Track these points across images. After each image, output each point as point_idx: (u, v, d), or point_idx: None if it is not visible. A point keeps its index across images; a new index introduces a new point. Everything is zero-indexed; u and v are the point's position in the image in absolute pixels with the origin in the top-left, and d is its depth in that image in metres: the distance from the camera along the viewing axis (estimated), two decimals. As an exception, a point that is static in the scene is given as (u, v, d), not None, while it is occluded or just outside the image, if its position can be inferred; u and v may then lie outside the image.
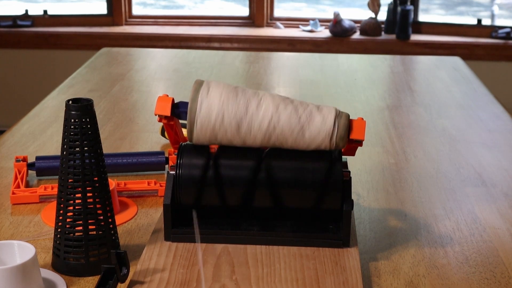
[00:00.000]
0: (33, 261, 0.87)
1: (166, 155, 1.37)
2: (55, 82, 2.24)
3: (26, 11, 3.70)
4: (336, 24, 3.46)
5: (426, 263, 1.03)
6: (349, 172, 1.02)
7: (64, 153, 0.94)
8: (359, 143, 1.03)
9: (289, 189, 1.02)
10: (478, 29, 3.55)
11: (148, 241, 1.03)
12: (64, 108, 0.94)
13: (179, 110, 1.04)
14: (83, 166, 0.94)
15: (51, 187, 1.22)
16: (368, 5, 3.49)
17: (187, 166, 1.02)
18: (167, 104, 1.03)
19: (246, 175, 1.02)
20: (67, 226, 0.96)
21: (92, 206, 0.96)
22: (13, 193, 1.21)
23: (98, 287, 0.88)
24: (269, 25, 3.71)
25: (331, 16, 3.56)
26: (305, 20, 3.72)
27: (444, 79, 2.16)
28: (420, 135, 1.63)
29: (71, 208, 0.95)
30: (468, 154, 1.49)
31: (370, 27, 3.49)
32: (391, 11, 3.50)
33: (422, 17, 3.67)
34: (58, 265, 0.98)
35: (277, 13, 3.77)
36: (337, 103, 1.87)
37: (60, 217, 0.96)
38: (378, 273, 1.00)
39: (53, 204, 1.17)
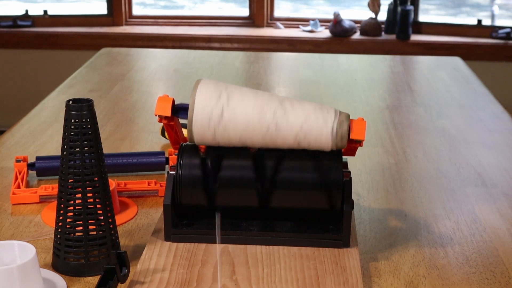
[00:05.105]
0: (33, 261, 0.87)
1: (166, 155, 1.37)
2: (55, 82, 2.25)
3: (26, 11, 3.70)
4: (336, 24, 3.46)
5: (426, 263, 1.03)
6: (349, 172, 1.02)
7: (64, 153, 0.94)
8: (359, 143, 1.03)
9: (289, 189, 1.02)
10: (478, 29, 3.55)
11: (148, 241, 1.03)
12: (64, 108, 0.94)
13: (179, 110, 1.04)
14: (83, 166, 0.94)
15: (51, 187, 1.22)
16: (368, 5, 3.50)
17: (187, 166, 1.03)
18: (168, 105, 1.03)
19: (246, 175, 1.02)
20: (67, 226, 0.96)
21: (92, 206, 0.96)
22: (14, 193, 1.21)
23: (98, 287, 0.88)
24: (269, 25, 3.71)
25: (331, 17, 3.56)
26: (305, 20, 3.72)
27: (444, 79, 2.16)
28: (420, 135, 1.63)
29: (71, 208, 0.95)
30: (468, 154, 1.49)
31: (370, 27, 3.49)
32: (391, 11, 3.50)
33: (422, 17, 3.67)
34: (58, 265, 0.98)
35: (277, 13, 3.77)
36: (337, 103, 1.87)
37: (60, 217, 0.96)
38: (378, 273, 1.00)
39: (53, 204, 1.17)
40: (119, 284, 0.92)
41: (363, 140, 1.02)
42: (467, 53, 3.32)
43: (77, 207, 0.95)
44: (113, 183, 1.17)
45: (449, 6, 4.47)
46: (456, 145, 1.55)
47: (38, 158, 1.31)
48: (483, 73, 2.80)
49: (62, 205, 0.96)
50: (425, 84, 2.11)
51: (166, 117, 1.03)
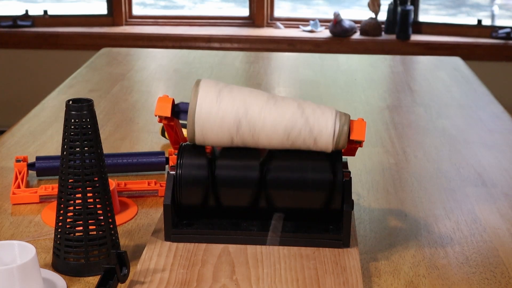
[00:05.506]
0: (33, 261, 0.87)
1: (166, 155, 1.37)
2: (55, 82, 2.25)
3: (26, 11, 3.70)
4: (336, 25, 3.46)
5: (426, 263, 1.03)
6: (349, 172, 1.02)
7: (64, 153, 0.94)
8: (359, 143, 1.03)
9: (289, 190, 1.02)
10: (478, 29, 3.55)
11: (148, 241, 1.03)
12: (64, 108, 0.94)
13: (179, 110, 1.04)
14: (83, 166, 0.94)
15: (51, 187, 1.22)
16: (368, 5, 3.50)
17: (187, 166, 1.02)
18: (168, 105, 1.03)
19: (246, 175, 1.02)
20: (67, 226, 0.96)
21: (92, 206, 0.96)
22: (14, 193, 1.21)
23: (98, 287, 0.88)
24: (269, 25, 3.71)
25: (331, 17, 3.56)
26: (305, 20, 3.72)
27: (444, 79, 2.16)
28: (420, 135, 1.63)
29: (71, 208, 0.95)
30: (468, 154, 1.49)
31: (370, 27, 3.49)
32: (391, 11, 3.50)
33: (422, 17, 3.67)
34: (58, 265, 0.98)
35: (277, 13, 3.77)
36: (337, 103, 1.87)
37: (60, 217, 0.96)
38: (378, 273, 1.00)
39: (53, 204, 1.17)
40: (119, 284, 0.92)
41: (363, 141, 1.02)
42: (467, 53, 3.32)
43: (77, 207, 0.95)
44: (113, 183, 1.17)
45: (449, 6, 4.47)
46: (456, 145, 1.55)
47: (38, 158, 1.31)
48: (483, 73, 2.80)
49: (62, 205, 0.96)
50: (425, 84, 2.11)
51: (166, 117, 1.03)
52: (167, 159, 1.33)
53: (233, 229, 1.03)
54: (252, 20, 3.71)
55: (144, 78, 2.14)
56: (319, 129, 1.01)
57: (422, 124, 1.70)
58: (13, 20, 3.61)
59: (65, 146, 0.94)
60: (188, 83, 2.04)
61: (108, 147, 1.48)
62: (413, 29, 3.51)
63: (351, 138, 1.02)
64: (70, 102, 0.94)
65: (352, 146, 1.05)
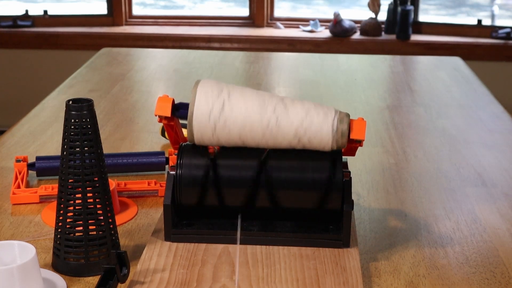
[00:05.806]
0: (33, 261, 0.87)
1: (166, 155, 1.37)
2: (55, 82, 2.25)
3: (26, 11, 3.70)
4: (336, 24, 3.46)
5: (426, 263, 1.03)
6: (349, 172, 1.02)
7: (64, 153, 0.94)
8: (359, 143, 1.03)
9: (290, 190, 1.02)
10: (478, 29, 3.55)
11: (148, 241, 1.03)
12: (64, 108, 0.94)
13: (179, 110, 1.04)
14: (83, 166, 0.94)
15: (51, 187, 1.22)
16: (368, 5, 3.50)
17: (187, 166, 1.03)
18: (168, 105, 1.03)
19: (246, 175, 1.02)
20: (67, 226, 0.96)
21: (92, 206, 0.96)
22: (14, 193, 1.21)
23: (98, 287, 0.88)
24: (269, 25, 3.71)
25: (331, 17, 3.56)
26: (305, 20, 3.72)
27: (444, 79, 2.16)
28: (420, 135, 1.63)
29: (71, 208, 0.96)
30: (468, 154, 1.49)
31: (370, 27, 3.49)
32: (391, 11, 3.50)
33: (422, 17, 3.67)
34: (58, 265, 0.98)
35: (277, 13, 3.77)
36: (337, 103, 1.87)
37: (60, 217, 0.96)
38: (378, 273, 1.00)
39: (53, 204, 1.17)
40: (119, 284, 0.92)
41: (363, 140, 1.02)
42: (467, 53, 3.32)
43: (77, 207, 0.95)
44: (113, 183, 1.17)
45: (449, 6, 4.47)
46: (456, 145, 1.55)
47: (38, 158, 1.31)
48: (483, 73, 2.80)
49: (62, 205, 0.96)
50: (425, 84, 2.11)
51: (166, 117, 1.03)
52: (167, 159, 1.33)
53: (233, 229, 1.03)
54: (252, 20, 3.71)
55: (144, 78, 2.14)
56: (319, 127, 1.01)
57: (422, 124, 1.71)
58: (13, 20, 3.61)
59: (65, 146, 0.94)
60: (188, 83, 2.04)
61: (108, 147, 1.48)
62: (413, 29, 3.51)
63: (351, 137, 1.02)
64: (70, 102, 0.94)
65: (352, 145, 1.05)
